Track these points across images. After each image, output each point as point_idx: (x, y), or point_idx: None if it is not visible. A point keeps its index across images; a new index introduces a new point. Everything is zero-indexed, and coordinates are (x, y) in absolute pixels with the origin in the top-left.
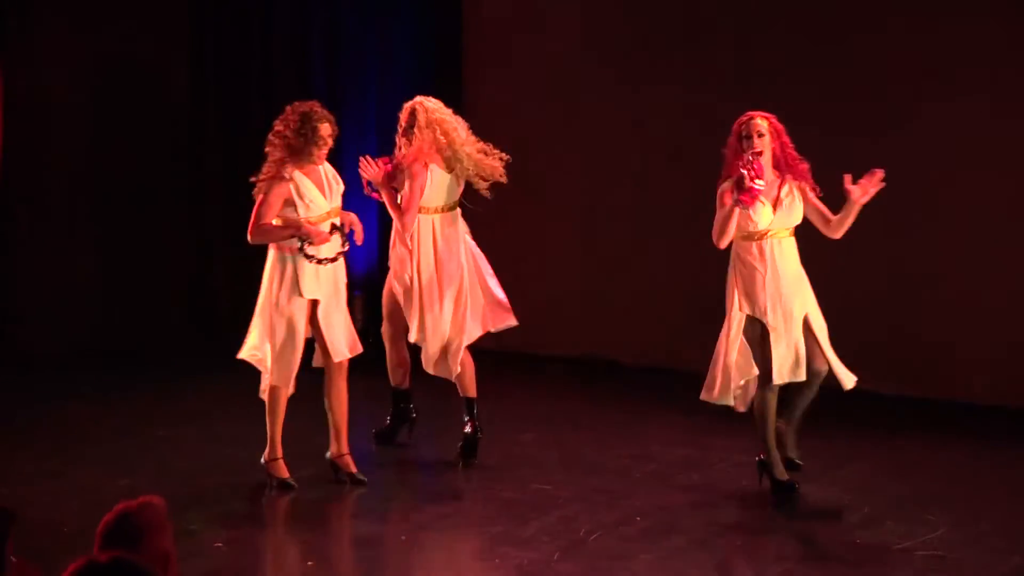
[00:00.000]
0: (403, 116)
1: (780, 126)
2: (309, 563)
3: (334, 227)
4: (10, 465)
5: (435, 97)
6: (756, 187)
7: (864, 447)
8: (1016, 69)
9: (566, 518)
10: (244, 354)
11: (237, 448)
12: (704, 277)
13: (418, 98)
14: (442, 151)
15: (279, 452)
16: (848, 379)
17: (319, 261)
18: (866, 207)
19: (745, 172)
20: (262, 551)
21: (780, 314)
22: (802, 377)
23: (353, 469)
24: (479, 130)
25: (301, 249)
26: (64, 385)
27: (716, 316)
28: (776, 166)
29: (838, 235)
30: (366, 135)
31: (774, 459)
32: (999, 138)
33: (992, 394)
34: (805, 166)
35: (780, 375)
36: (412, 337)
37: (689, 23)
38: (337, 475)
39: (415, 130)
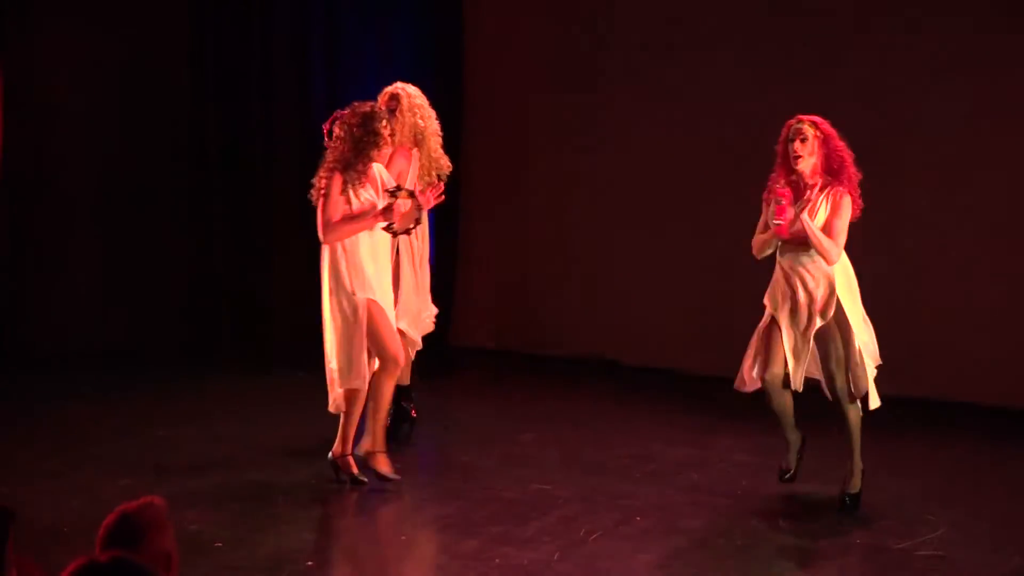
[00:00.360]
0: (383, 100)
1: (830, 131)
2: (309, 563)
3: (410, 193)
4: (10, 465)
5: (436, 91)
6: (775, 224)
7: (864, 446)
8: (1009, 72)
9: (566, 518)
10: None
11: (237, 448)
12: (705, 278)
13: (398, 84)
14: (417, 136)
15: (349, 449)
16: (871, 401)
17: (405, 233)
18: (867, 207)
19: (771, 206)
20: (262, 551)
21: (785, 316)
22: (794, 386)
23: (355, 470)
24: (479, 130)
25: (388, 227)
26: (64, 385)
27: (716, 316)
28: (824, 171)
29: (822, 257)
30: None
31: (788, 447)
32: (999, 138)
33: (992, 394)
34: (851, 173)
35: (795, 382)
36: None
37: (690, 23)
38: (338, 475)
39: (397, 114)
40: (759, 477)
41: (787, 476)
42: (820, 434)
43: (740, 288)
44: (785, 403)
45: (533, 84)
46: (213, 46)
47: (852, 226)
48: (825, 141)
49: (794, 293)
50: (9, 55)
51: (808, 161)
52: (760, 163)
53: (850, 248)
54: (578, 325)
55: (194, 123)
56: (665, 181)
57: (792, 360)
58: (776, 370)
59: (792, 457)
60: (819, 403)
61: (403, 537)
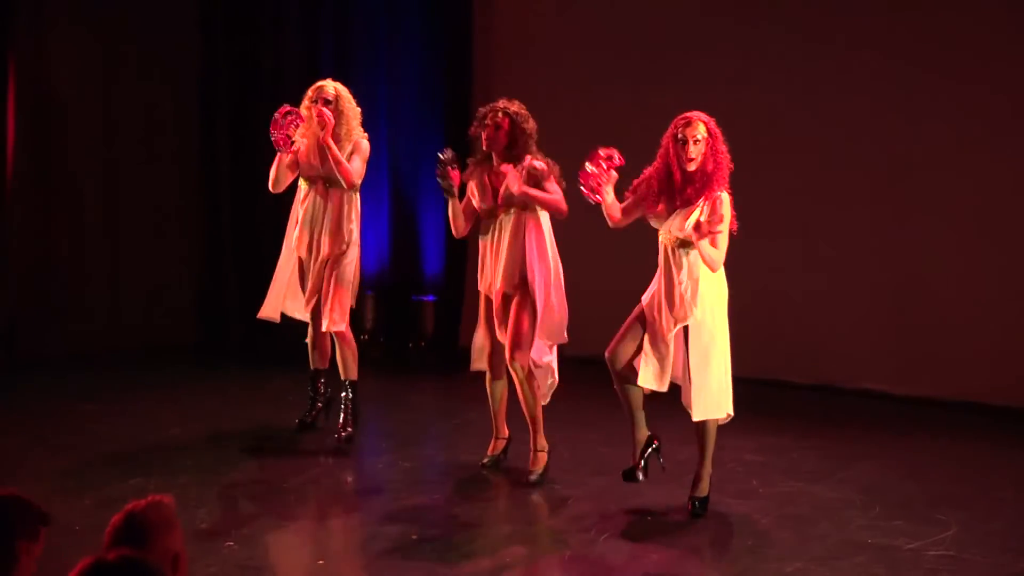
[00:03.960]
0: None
1: (717, 131)
2: (320, 562)
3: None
4: (22, 463)
5: (447, 90)
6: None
7: (873, 447)
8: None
9: (573, 518)
10: None
11: (247, 447)
12: None
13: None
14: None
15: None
16: (695, 411)
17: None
18: (867, 209)
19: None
20: (273, 550)
21: (657, 320)
22: (660, 388)
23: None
24: None
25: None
26: (74, 384)
27: None
28: (702, 174)
29: (707, 265)
30: (377, 128)
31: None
32: (1000, 135)
33: (1001, 394)
34: (724, 176)
35: (643, 378)
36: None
37: (693, 23)
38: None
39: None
40: (768, 476)
41: (634, 475)
42: (829, 435)
43: (741, 287)
44: (627, 401)
45: (544, 79)
46: (223, 48)
47: (858, 224)
48: (713, 142)
49: (659, 291)
50: (18, 53)
51: (698, 163)
52: (761, 162)
53: (853, 247)
54: (585, 325)
55: (203, 121)
56: None
57: (659, 364)
58: (646, 377)
59: (638, 454)
60: (819, 404)
61: (413, 536)
